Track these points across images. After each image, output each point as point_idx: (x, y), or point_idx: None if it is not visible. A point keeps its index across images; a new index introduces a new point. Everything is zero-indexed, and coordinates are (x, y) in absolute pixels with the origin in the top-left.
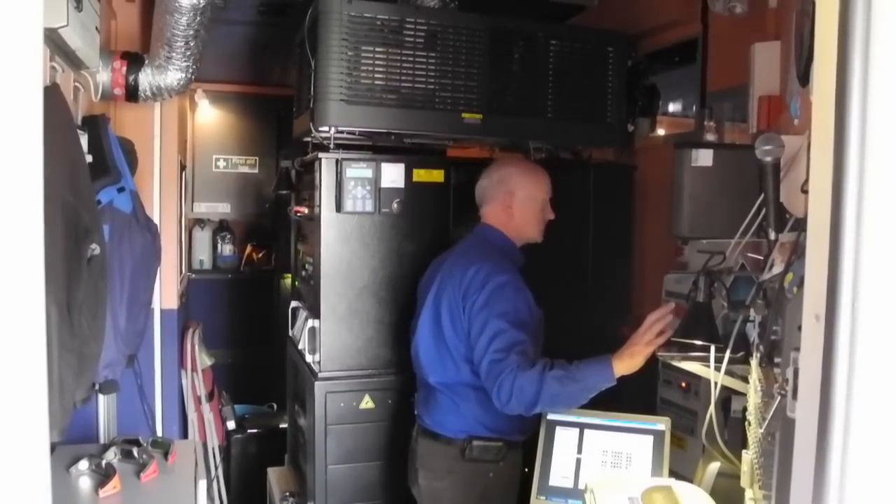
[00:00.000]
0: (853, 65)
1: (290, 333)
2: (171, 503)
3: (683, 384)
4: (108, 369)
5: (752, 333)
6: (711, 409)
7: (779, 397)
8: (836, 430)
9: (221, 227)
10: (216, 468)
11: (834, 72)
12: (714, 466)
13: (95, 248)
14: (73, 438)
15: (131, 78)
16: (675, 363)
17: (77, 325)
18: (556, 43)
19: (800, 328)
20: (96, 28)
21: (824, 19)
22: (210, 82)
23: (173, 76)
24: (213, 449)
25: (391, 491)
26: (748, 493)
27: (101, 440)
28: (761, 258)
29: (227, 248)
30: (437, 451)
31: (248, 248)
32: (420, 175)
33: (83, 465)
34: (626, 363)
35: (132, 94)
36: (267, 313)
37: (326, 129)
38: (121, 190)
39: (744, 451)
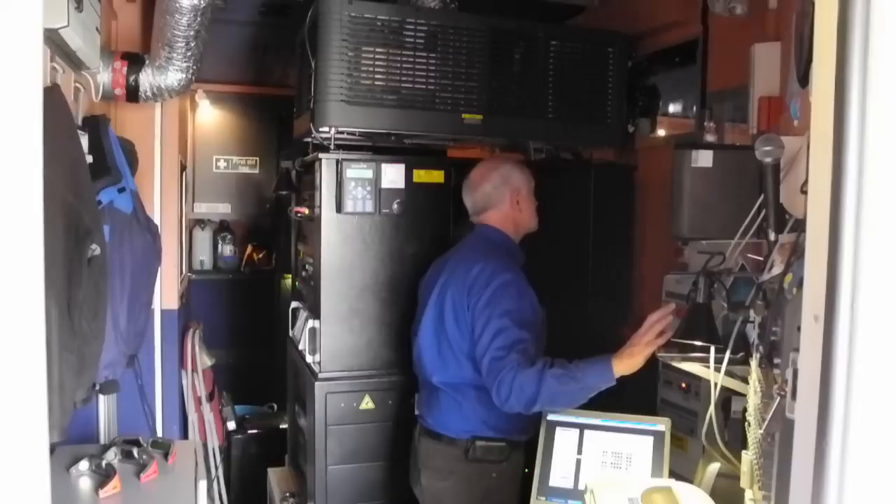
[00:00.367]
0: (852, 66)
1: (291, 334)
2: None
3: (683, 385)
4: (109, 369)
5: (752, 334)
6: (711, 409)
7: (778, 398)
8: (835, 431)
9: (222, 228)
10: (216, 468)
11: (833, 73)
12: (714, 467)
13: (96, 249)
14: (73, 439)
15: (132, 78)
16: (675, 364)
17: (77, 325)
18: (556, 43)
19: (799, 329)
20: (97, 28)
21: (824, 20)
22: (211, 83)
23: (174, 76)
24: (213, 449)
25: (391, 491)
26: (748, 494)
27: (102, 440)
28: (761, 259)
29: (227, 249)
30: (439, 452)
31: (249, 249)
32: (420, 176)
33: (83, 465)
34: (626, 363)
35: (133, 94)
36: (267, 314)
37: (327, 129)
38: (121, 190)
39: (743, 452)
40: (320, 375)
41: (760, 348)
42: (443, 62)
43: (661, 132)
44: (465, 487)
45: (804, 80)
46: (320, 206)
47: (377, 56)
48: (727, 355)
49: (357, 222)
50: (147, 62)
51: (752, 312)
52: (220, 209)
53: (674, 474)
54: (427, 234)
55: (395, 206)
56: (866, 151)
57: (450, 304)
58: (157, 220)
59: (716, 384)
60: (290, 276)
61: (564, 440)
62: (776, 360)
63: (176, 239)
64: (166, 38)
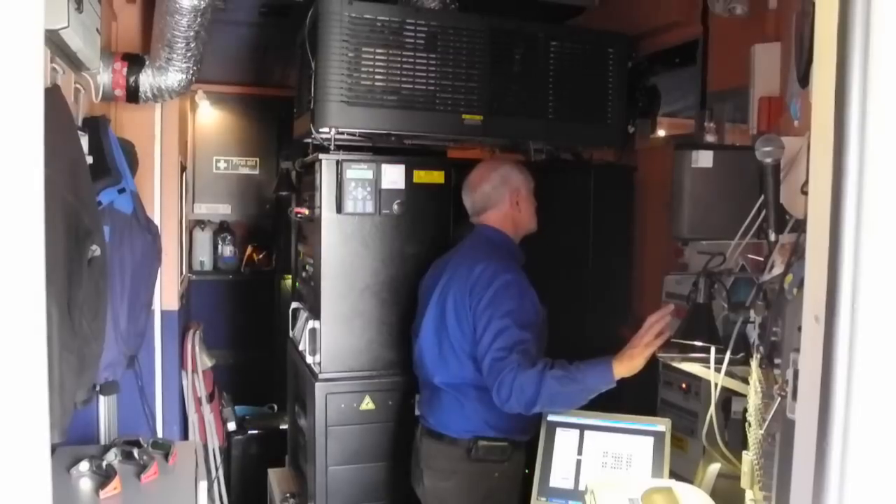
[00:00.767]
0: (853, 66)
1: (291, 334)
2: None
3: (684, 385)
4: (109, 370)
5: (753, 335)
6: (712, 410)
7: (779, 398)
8: (836, 431)
9: (222, 228)
10: (217, 469)
11: (834, 73)
12: (714, 467)
13: (96, 249)
14: (73, 439)
15: (132, 79)
16: (676, 364)
17: (78, 326)
18: (556, 44)
19: (800, 329)
20: (97, 29)
21: (824, 21)
22: (211, 83)
23: (174, 77)
24: (213, 450)
25: (392, 492)
26: (748, 494)
27: (102, 441)
28: (761, 259)
29: (227, 249)
30: (441, 452)
31: (249, 249)
32: (420, 176)
33: (84, 466)
34: (627, 365)
35: (133, 95)
36: (267, 314)
37: (327, 130)
38: (121, 191)
39: (744, 453)
40: (321, 376)
41: (761, 349)
42: (443, 63)
43: (661, 133)
44: (468, 487)
45: (804, 80)
46: (320, 207)
47: (377, 57)
48: (727, 356)
49: (357, 223)
50: (147, 63)
51: (752, 313)
52: (221, 210)
53: (674, 475)
54: (427, 234)
55: (395, 206)
56: (867, 152)
57: (451, 305)
58: (157, 221)
59: (716, 385)
60: (290, 276)
61: (565, 441)
62: (777, 361)
63: (176, 240)
64: (166, 39)
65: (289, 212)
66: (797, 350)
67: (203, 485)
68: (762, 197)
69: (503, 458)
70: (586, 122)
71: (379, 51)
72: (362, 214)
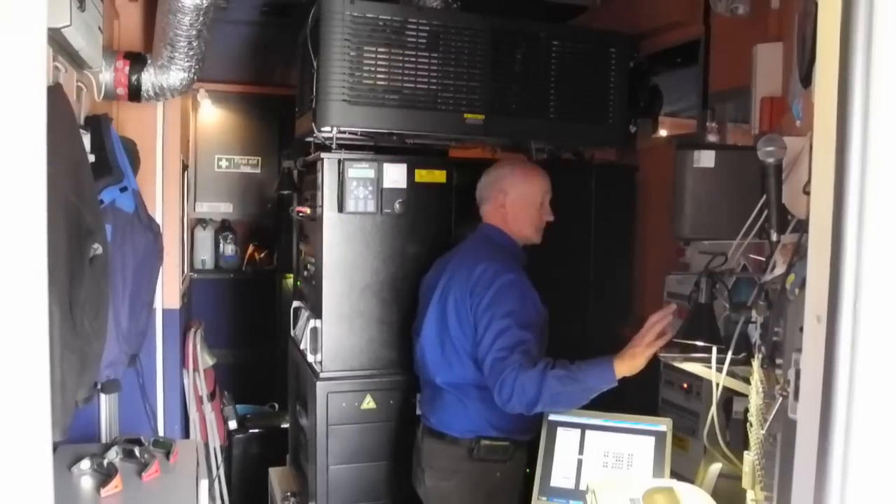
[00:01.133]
0: (855, 66)
1: (292, 333)
2: (172, 503)
3: (685, 385)
4: (110, 369)
5: (754, 335)
6: (713, 410)
7: (780, 398)
8: (838, 432)
9: (223, 227)
10: (218, 468)
11: (836, 73)
12: (715, 467)
13: (98, 248)
14: (74, 438)
15: (134, 78)
16: (677, 364)
17: (79, 325)
18: (558, 43)
19: (801, 329)
20: (99, 28)
21: (826, 20)
22: (213, 82)
23: (176, 76)
24: (214, 449)
25: (393, 491)
26: (750, 495)
27: (103, 439)
28: (763, 259)
29: (229, 248)
30: (443, 451)
31: (250, 248)
32: (422, 175)
33: (85, 464)
34: (628, 364)
35: (135, 93)
36: (269, 313)
37: (329, 129)
38: (123, 190)
39: (745, 453)
40: (322, 375)
41: (762, 349)
42: (445, 62)
43: (662, 132)
44: (470, 487)
45: (807, 80)
46: (322, 206)
47: (379, 56)
48: (729, 356)
49: (359, 222)
50: (149, 62)
51: (754, 313)
52: (222, 209)
53: (675, 475)
54: (429, 233)
55: (396, 205)
56: (869, 152)
57: (452, 305)
58: (158, 220)
59: (717, 385)
60: (291, 275)
61: (566, 440)
62: (778, 361)
63: (177, 238)
64: (168, 38)
65: (290, 211)
66: (799, 350)
67: (204, 483)
68: (764, 197)
69: (505, 458)
70: (588, 122)
71: (381, 50)
72: (364, 213)
